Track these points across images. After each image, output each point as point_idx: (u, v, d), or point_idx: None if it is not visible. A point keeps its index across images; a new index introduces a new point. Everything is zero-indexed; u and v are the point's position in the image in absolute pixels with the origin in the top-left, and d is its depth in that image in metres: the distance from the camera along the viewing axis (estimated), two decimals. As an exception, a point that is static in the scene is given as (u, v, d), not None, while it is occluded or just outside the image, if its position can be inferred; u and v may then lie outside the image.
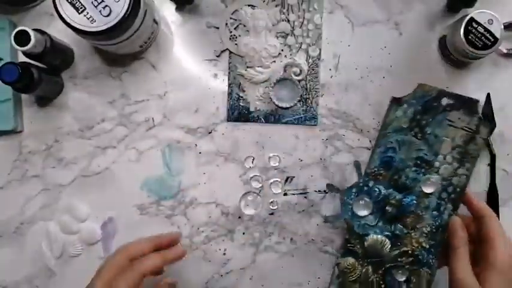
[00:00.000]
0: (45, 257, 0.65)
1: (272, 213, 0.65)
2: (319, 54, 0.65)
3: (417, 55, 0.65)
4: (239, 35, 0.65)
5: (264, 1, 0.65)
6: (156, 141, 0.65)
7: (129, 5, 0.54)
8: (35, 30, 0.56)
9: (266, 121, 0.65)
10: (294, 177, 0.65)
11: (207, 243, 0.65)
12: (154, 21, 0.62)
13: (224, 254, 0.65)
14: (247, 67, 0.65)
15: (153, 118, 0.65)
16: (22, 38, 0.55)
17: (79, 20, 0.54)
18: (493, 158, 0.64)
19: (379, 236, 0.60)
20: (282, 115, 0.65)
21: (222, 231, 0.65)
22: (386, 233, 0.60)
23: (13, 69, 0.56)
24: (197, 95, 0.65)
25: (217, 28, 0.65)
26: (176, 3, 0.65)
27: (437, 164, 0.60)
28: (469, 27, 0.59)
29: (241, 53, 0.65)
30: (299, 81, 0.65)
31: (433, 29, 0.66)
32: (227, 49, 0.65)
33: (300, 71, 0.65)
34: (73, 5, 0.54)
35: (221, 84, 0.66)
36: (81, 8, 0.54)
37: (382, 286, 0.61)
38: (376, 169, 0.61)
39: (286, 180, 0.65)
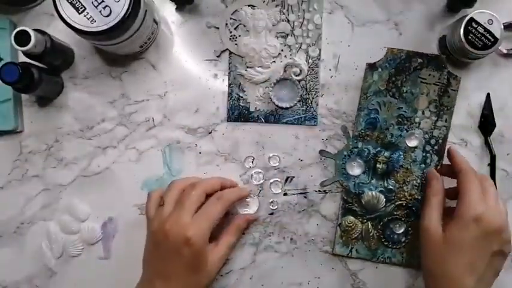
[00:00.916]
0: (45, 257, 0.65)
1: (272, 213, 0.65)
2: (319, 54, 0.65)
3: (417, 55, 0.65)
4: (239, 35, 0.65)
5: (264, 1, 0.65)
6: (156, 141, 0.65)
7: (129, 5, 0.54)
8: (35, 30, 0.56)
9: (266, 121, 0.65)
10: (294, 177, 0.65)
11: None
12: (154, 21, 0.62)
13: (224, 254, 0.65)
14: (247, 67, 0.65)
15: (153, 118, 0.65)
16: (22, 38, 0.55)
17: (79, 20, 0.54)
18: (493, 158, 0.64)
19: (374, 192, 0.64)
20: (282, 115, 0.65)
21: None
22: (380, 189, 0.64)
23: (13, 69, 0.56)
24: (197, 95, 0.65)
25: (217, 28, 0.65)
26: (176, 3, 0.65)
27: (417, 119, 0.64)
28: (469, 27, 0.59)
29: (241, 53, 0.65)
30: (299, 81, 0.65)
31: (433, 29, 0.66)
32: (227, 49, 0.65)
33: (300, 71, 0.65)
34: (73, 5, 0.54)
35: (221, 84, 0.66)
36: (81, 8, 0.54)
37: (383, 240, 0.64)
38: (362, 131, 0.64)
39: (286, 180, 0.65)
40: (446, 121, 0.64)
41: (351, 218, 0.64)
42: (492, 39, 0.59)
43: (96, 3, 0.54)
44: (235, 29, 0.65)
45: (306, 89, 0.65)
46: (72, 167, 0.65)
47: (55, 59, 0.62)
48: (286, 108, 0.64)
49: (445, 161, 0.64)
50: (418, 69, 0.64)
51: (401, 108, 0.64)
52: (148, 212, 0.59)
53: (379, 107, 0.64)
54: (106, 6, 0.54)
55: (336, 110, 0.65)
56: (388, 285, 0.65)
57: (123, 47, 0.60)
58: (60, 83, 0.65)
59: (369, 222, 0.64)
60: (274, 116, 0.65)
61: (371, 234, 0.64)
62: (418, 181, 0.64)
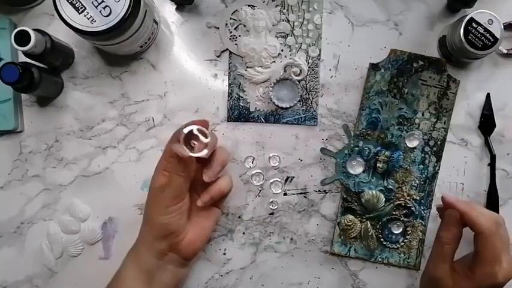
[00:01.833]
0: (45, 257, 0.65)
1: (272, 213, 0.65)
2: (319, 54, 0.65)
3: (417, 55, 0.65)
4: (239, 35, 0.65)
5: (264, 1, 0.65)
6: (156, 141, 0.65)
7: (129, 5, 0.54)
8: (35, 30, 0.56)
9: (266, 121, 0.65)
10: (294, 177, 0.65)
11: (207, 243, 0.65)
12: (154, 21, 0.62)
13: (224, 254, 0.65)
14: (247, 67, 0.65)
15: (153, 118, 0.65)
16: (22, 38, 0.55)
17: (79, 20, 0.54)
18: (493, 158, 0.64)
19: (374, 191, 0.64)
20: (282, 115, 0.65)
21: (222, 231, 0.65)
22: (380, 188, 0.64)
23: (13, 69, 0.56)
24: (197, 95, 0.65)
25: (217, 28, 0.65)
26: (176, 4, 0.65)
27: (417, 120, 0.64)
28: (469, 27, 0.59)
29: (241, 53, 0.65)
30: (299, 81, 0.65)
31: (433, 29, 0.66)
32: (227, 49, 0.65)
33: (300, 71, 0.65)
34: (73, 5, 0.54)
35: (221, 84, 0.66)
36: (81, 8, 0.54)
37: (381, 240, 0.64)
38: (364, 130, 0.64)
39: (286, 180, 0.65)
40: (445, 123, 0.64)
41: (350, 217, 0.64)
42: (492, 39, 0.59)
43: (96, 3, 0.54)
44: (235, 29, 0.65)
45: (306, 89, 0.65)
46: (72, 167, 0.65)
47: (55, 59, 0.62)
48: (286, 108, 0.64)
49: (444, 161, 0.64)
50: (419, 71, 0.64)
51: (402, 108, 0.64)
52: None
53: (381, 107, 0.64)
54: (106, 6, 0.54)
55: (336, 110, 0.65)
56: (388, 285, 0.65)
57: (123, 47, 0.60)
58: (60, 83, 0.65)
59: (368, 222, 0.64)
60: (274, 116, 0.65)
61: (370, 234, 0.64)
62: (417, 182, 0.64)
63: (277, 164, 0.65)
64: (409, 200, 0.64)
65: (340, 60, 0.65)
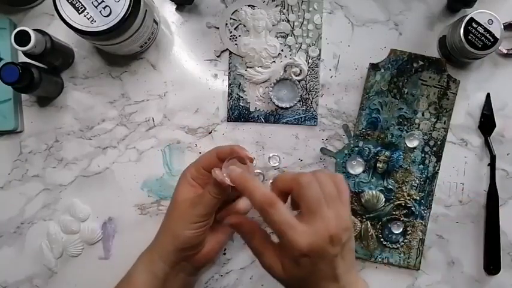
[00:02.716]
0: (45, 257, 0.65)
1: (272, 213, 0.65)
2: (319, 54, 0.65)
3: (417, 55, 0.65)
4: (239, 35, 0.65)
5: (264, 1, 0.65)
6: (156, 141, 0.65)
7: (129, 5, 0.54)
8: (35, 30, 0.56)
9: (266, 121, 0.65)
10: (294, 177, 0.65)
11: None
12: (154, 21, 0.62)
13: (224, 254, 0.65)
14: (247, 67, 0.65)
15: (153, 118, 0.65)
16: (22, 38, 0.54)
17: (79, 20, 0.54)
18: (493, 158, 0.64)
19: (374, 191, 0.64)
20: (282, 115, 0.65)
21: (222, 231, 0.65)
22: (380, 188, 0.64)
23: (13, 69, 0.56)
24: (197, 95, 0.65)
25: (217, 28, 0.65)
26: (176, 4, 0.65)
27: (417, 120, 0.64)
28: (469, 27, 0.59)
29: (241, 53, 0.65)
30: (299, 81, 0.65)
31: (433, 29, 0.66)
32: (227, 49, 0.65)
33: (300, 71, 0.65)
34: (73, 5, 0.54)
35: (221, 84, 0.66)
36: (81, 8, 0.54)
37: (381, 240, 0.64)
38: (364, 130, 0.64)
39: (286, 180, 0.65)
40: (445, 123, 0.64)
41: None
42: (492, 39, 0.59)
43: (96, 3, 0.54)
44: (235, 29, 0.65)
45: (306, 89, 0.65)
46: (72, 167, 0.65)
47: (55, 59, 0.62)
48: (286, 108, 0.64)
49: (444, 161, 0.64)
50: (419, 71, 0.64)
51: (402, 109, 0.64)
52: None
53: (381, 107, 0.64)
54: (106, 6, 0.54)
55: (336, 110, 0.65)
56: (388, 285, 0.65)
57: (123, 47, 0.60)
58: (60, 83, 0.65)
59: (368, 222, 0.64)
60: (274, 116, 0.65)
61: (370, 234, 0.64)
62: (417, 182, 0.64)
63: (277, 164, 0.65)
64: (409, 200, 0.64)
65: (340, 60, 0.65)
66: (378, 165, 0.64)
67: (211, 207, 0.54)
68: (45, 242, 0.65)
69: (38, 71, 0.59)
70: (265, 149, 0.65)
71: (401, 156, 0.64)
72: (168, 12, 0.66)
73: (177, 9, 0.66)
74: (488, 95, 0.65)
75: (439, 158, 0.64)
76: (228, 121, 0.65)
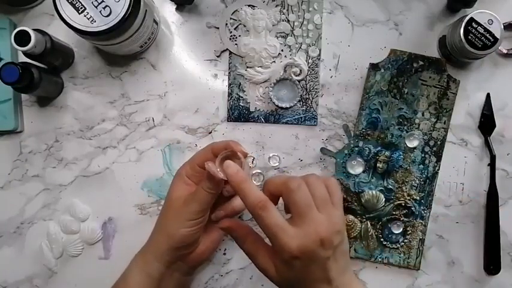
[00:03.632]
0: (45, 257, 0.65)
1: (272, 213, 0.65)
2: (319, 54, 0.65)
3: (417, 55, 0.65)
4: (239, 35, 0.65)
5: (264, 1, 0.65)
6: (156, 141, 0.65)
7: (129, 5, 0.54)
8: (35, 30, 0.56)
9: (266, 121, 0.65)
10: (294, 177, 0.65)
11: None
12: (154, 21, 0.62)
13: (224, 254, 0.65)
14: (247, 67, 0.65)
15: (153, 118, 0.65)
16: (22, 38, 0.55)
17: (79, 20, 0.54)
18: (493, 158, 0.64)
19: (374, 191, 0.64)
20: (282, 115, 0.65)
21: (222, 231, 0.65)
22: (380, 188, 0.64)
23: (13, 69, 0.56)
24: (197, 95, 0.65)
25: (217, 28, 0.65)
26: (176, 4, 0.65)
27: (417, 120, 0.64)
28: (469, 27, 0.59)
29: (241, 53, 0.65)
30: (299, 81, 0.65)
31: (433, 29, 0.66)
32: (227, 49, 0.65)
33: (300, 71, 0.65)
34: (73, 5, 0.54)
35: (221, 84, 0.66)
36: (81, 8, 0.54)
37: (381, 240, 0.64)
38: (364, 130, 0.64)
39: (286, 180, 0.65)
40: (445, 123, 0.64)
41: (350, 217, 0.64)
42: (492, 39, 0.59)
43: (96, 3, 0.54)
44: (235, 29, 0.65)
45: (306, 89, 0.65)
46: (72, 167, 0.65)
47: (55, 59, 0.62)
48: (286, 108, 0.64)
49: (444, 161, 0.64)
50: (419, 71, 0.64)
51: (402, 109, 0.64)
52: None
53: (381, 107, 0.64)
54: (106, 6, 0.54)
55: (336, 110, 0.65)
56: (388, 285, 0.65)
57: (123, 47, 0.60)
58: (60, 83, 0.65)
59: (368, 222, 0.64)
60: (274, 116, 0.65)
61: (370, 234, 0.64)
62: (417, 182, 0.64)
63: (277, 164, 0.65)
64: (409, 200, 0.64)
65: (340, 60, 0.65)
66: (378, 165, 0.64)
67: (206, 203, 0.54)
68: (45, 242, 0.65)
69: (38, 71, 0.59)
70: (265, 149, 0.65)
71: (401, 156, 0.64)
72: (168, 12, 0.66)
73: (177, 9, 0.66)
74: (488, 95, 0.65)
75: (439, 158, 0.64)
76: (228, 121, 0.65)
